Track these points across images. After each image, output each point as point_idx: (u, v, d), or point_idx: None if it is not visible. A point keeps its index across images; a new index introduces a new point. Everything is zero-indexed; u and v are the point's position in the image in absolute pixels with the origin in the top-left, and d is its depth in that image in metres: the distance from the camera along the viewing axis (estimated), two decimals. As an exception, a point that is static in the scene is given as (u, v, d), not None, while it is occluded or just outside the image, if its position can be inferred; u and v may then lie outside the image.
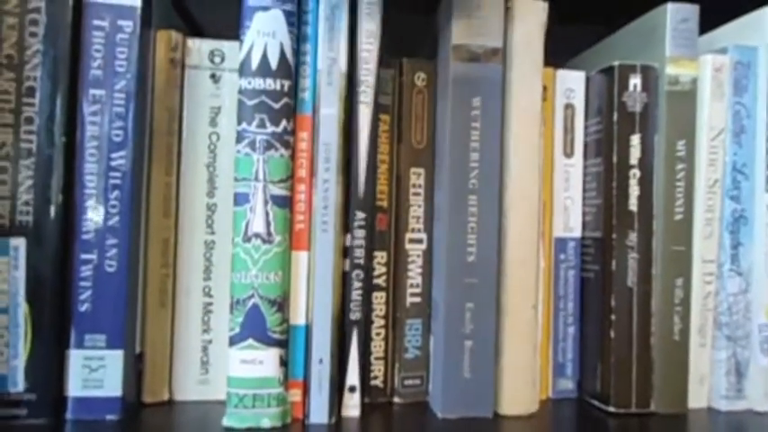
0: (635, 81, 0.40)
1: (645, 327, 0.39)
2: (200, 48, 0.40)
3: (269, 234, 0.35)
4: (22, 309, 0.34)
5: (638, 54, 0.42)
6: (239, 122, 0.35)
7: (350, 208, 0.37)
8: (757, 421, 0.39)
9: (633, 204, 0.39)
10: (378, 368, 0.41)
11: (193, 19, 0.47)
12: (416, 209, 0.41)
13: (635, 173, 0.40)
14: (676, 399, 0.40)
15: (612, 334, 0.39)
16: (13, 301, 0.34)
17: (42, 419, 0.34)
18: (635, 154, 0.40)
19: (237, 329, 0.35)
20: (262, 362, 0.35)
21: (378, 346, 0.40)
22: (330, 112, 0.36)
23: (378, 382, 0.41)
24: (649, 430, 0.37)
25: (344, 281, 0.38)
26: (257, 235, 0.35)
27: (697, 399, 0.40)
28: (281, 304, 0.35)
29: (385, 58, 0.40)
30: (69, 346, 0.35)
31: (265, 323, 0.35)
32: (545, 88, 0.42)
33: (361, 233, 0.38)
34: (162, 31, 0.39)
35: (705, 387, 0.41)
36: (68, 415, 0.35)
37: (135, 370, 0.37)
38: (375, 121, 0.40)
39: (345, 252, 0.38)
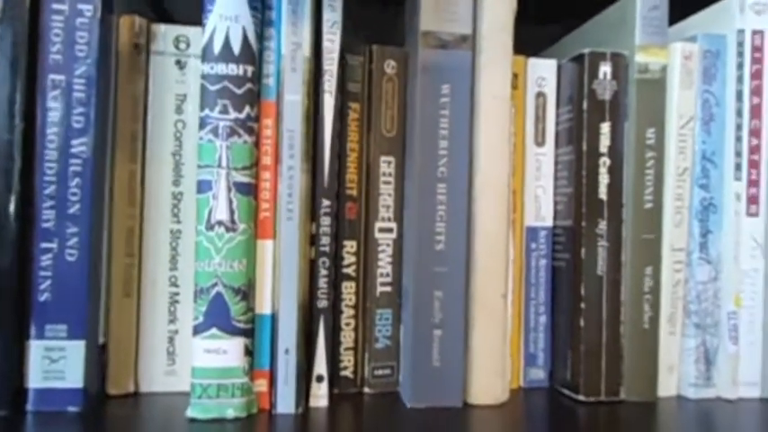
0: (605, 69, 0.39)
1: (614, 315, 0.39)
2: (164, 33, 0.39)
3: (232, 222, 0.34)
4: (-20, 298, 0.34)
5: (609, 43, 0.41)
6: (202, 108, 0.34)
7: (315, 195, 0.37)
8: (726, 409, 0.39)
9: (603, 193, 0.39)
10: (347, 359, 0.40)
11: (162, 5, 0.46)
12: (386, 197, 0.41)
13: (605, 161, 0.39)
14: (646, 387, 0.40)
15: (582, 322, 0.39)
16: (-31, 291, 0.34)
17: (1, 411, 0.34)
18: (605, 142, 0.39)
19: (201, 318, 0.34)
20: (226, 351, 0.34)
21: (347, 337, 0.40)
22: (294, 98, 0.35)
23: (348, 373, 0.40)
24: (619, 418, 0.37)
25: (311, 269, 0.37)
26: (220, 223, 0.34)
27: (666, 387, 0.41)
28: (246, 293, 0.35)
29: (354, 45, 0.39)
30: (29, 336, 0.35)
31: (229, 312, 0.34)
32: (516, 76, 0.42)
33: (327, 221, 0.37)
34: (125, 15, 0.38)
35: (674, 375, 0.41)
36: (29, 407, 0.35)
37: (98, 361, 0.37)
38: (344, 109, 0.40)
39: (312, 240, 0.37)
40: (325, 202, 0.37)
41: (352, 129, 0.40)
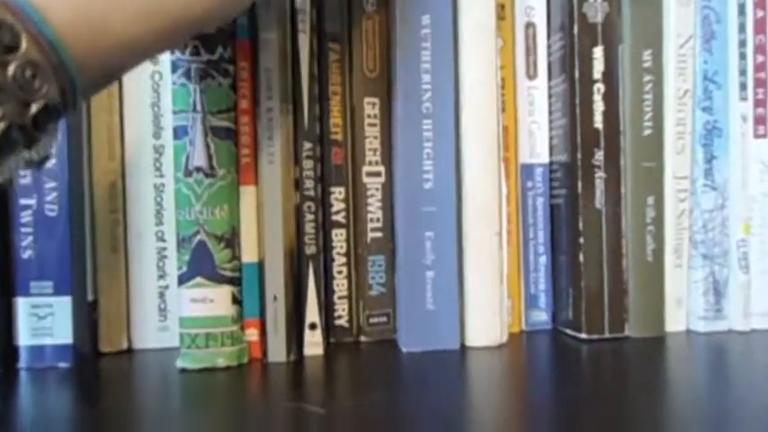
0: (595, -10, 0.37)
1: (616, 249, 0.38)
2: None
3: (211, 168, 0.33)
4: (-38, 257, 0.33)
5: (601, -36, 0.39)
6: (172, 51, 0.33)
7: (297, 138, 0.36)
8: (739, 341, 0.37)
9: (598, 121, 0.37)
10: (342, 307, 0.39)
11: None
12: (372, 140, 0.39)
13: (599, 87, 0.37)
14: (652, 322, 0.38)
15: (582, 258, 0.38)
16: (-48, 250, 0.33)
17: (-7, 369, 0.34)
18: (598, 68, 0.37)
19: (185, 268, 0.34)
20: (212, 300, 0.34)
21: (340, 285, 0.39)
22: (269, 36, 0.34)
23: (343, 322, 0.39)
24: (623, 355, 0.36)
25: (297, 214, 0.36)
26: (199, 169, 0.33)
27: (675, 322, 0.39)
28: (230, 240, 0.34)
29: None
30: (15, 294, 0.34)
31: (213, 260, 0.34)
32: (503, 7, 0.40)
33: (310, 164, 0.36)
34: None
35: (683, 309, 0.39)
36: (20, 364, 0.34)
37: (89, 318, 0.36)
38: (324, 51, 0.38)
39: (297, 185, 0.36)
40: (307, 145, 0.36)
41: (334, 71, 0.39)
